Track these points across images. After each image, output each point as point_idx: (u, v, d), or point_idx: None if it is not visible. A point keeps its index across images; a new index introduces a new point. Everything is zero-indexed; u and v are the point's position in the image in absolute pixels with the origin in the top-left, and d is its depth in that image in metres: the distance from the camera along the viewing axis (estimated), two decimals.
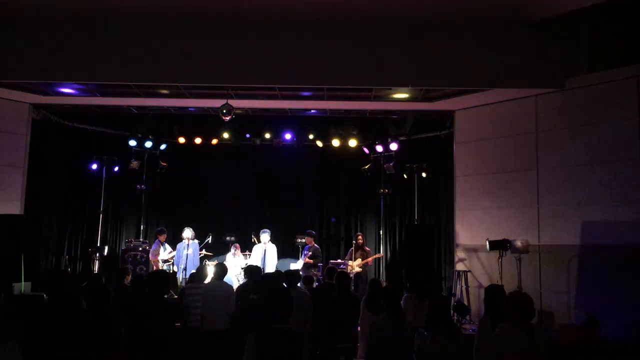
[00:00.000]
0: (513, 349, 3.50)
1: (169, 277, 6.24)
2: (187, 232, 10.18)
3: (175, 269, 10.23)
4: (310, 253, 10.24)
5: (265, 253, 10.12)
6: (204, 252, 10.52)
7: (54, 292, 4.20)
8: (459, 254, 9.68)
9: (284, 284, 6.13)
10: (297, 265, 10.25)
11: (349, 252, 10.35)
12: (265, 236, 10.24)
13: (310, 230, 10.86)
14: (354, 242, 10.66)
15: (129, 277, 7.11)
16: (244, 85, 8.80)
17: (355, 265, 10.04)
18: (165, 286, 4.74)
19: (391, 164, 11.03)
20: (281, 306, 3.44)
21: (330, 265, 8.53)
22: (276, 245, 10.44)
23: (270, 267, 9.76)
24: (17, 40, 8.21)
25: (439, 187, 10.77)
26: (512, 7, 7.62)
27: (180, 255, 10.10)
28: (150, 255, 10.40)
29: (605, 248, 7.78)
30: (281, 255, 10.85)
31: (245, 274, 7.27)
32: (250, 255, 10.48)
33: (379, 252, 11.15)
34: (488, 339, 3.82)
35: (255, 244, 10.54)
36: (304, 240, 10.79)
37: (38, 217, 10.24)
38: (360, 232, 11.37)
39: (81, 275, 9.77)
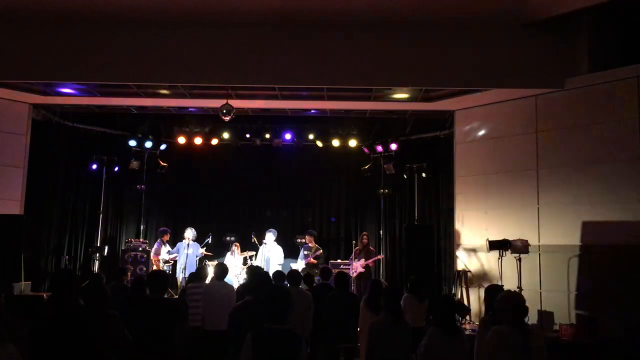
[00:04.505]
0: (508, 350, 3.50)
1: (168, 276, 6.25)
2: (189, 232, 10.24)
3: (172, 269, 10.25)
4: (312, 253, 10.21)
5: (267, 254, 10.12)
6: (204, 251, 10.53)
7: (59, 293, 4.16)
8: (459, 254, 9.68)
9: (286, 283, 6.13)
10: (297, 265, 10.24)
11: (354, 252, 10.34)
12: (269, 236, 10.24)
13: (312, 230, 10.82)
14: (354, 242, 10.64)
15: (128, 277, 7.12)
16: (244, 85, 8.80)
17: (358, 266, 10.02)
18: (165, 286, 4.73)
19: (391, 164, 11.02)
20: (279, 306, 3.44)
21: (324, 265, 8.51)
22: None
23: (273, 268, 9.73)
24: (17, 40, 8.20)
25: (439, 187, 10.76)
26: (512, 7, 7.62)
27: (181, 255, 10.12)
28: (152, 255, 10.41)
29: (605, 248, 7.77)
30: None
31: (246, 274, 7.28)
32: (250, 255, 10.49)
33: (380, 252, 11.13)
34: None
35: (255, 244, 10.55)
36: (303, 240, 10.79)
37: (38, 217, 10.23)
38: (361, 232, 11.35)
39: (81, 275, 9.77)
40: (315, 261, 10.10)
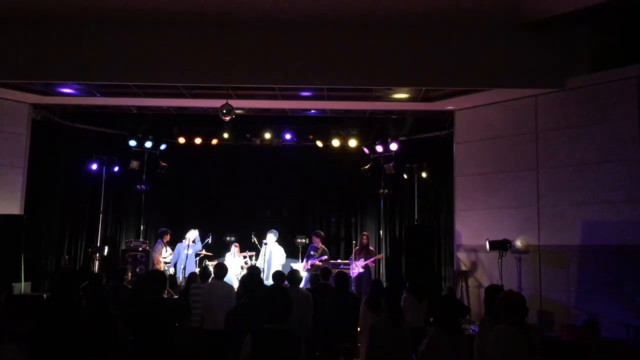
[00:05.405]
0: (513, 350, 3.50)
1: (166, 276, 6.23)
2: (192, 234, 10.24)
3: (173, 269, 10.25)
4: (319, 255, 10.17)
5: (269, 254, 10.11)
6: (204, 252, 10.53)
7: (59, 293, 4.16)
8: (459, 254, 9.68)
9: (286, 282, 6.13)
10: (299, 265, 10.23)
11: (354, 252, 10.33)
12: (270, 236, 10.23)
13: (318, 230, 10.80)
14: (354, 241, 10.64)
15: (128, 277, 7.12)
16: (244, 85, 8.80)
17: (358, 266, 10.01)
18: (164, 286, 4.73)
19: (391, 164, 11.02)
20: (279, 306, 3.44)
21: (324, 266, 8.50)
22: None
23: (275, 269, 9.69)
24: (17, 40, 8.21)
25: (439, 187, 10.77)
26: (512, 7, 7.62)
27: (180, 255, 10.11)
28: (153, 255, 10.42)
29: (605, 248, 7.77)
30: None
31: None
32: (250, 255, 10.49)
33: (380, 252, 11.14)
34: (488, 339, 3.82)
35: (255, 244, 10.55)
36: (304, 241, 10.77)
37: (38, 217, 10.23)
38: (361, 232, 11.35)
39: (81, 275, 9.77)
40: (320, 263, 10.05)
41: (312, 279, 7.19)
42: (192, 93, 9.40)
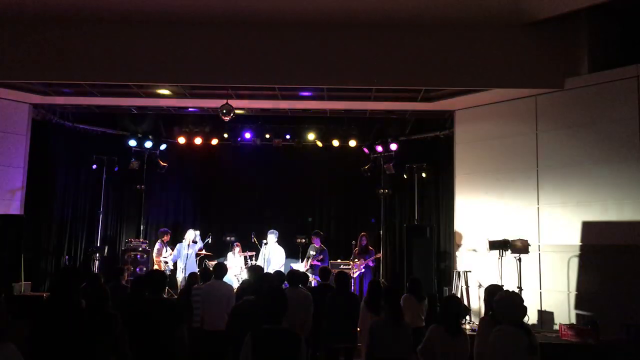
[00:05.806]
0: (514, 350, 3.51)
1: (166, 276, 6.20)
2: (191, 234, 10.24)
3: (173, 269, 10.25)
4: (318, 254, 10.17)
5: (269, 254, 10.10)
6: (204, 252, 10.53)
7: (59, 292, 4.15)
8: (459, 254, 9.67)
9: (285, 283, 6.13)
10: (299, 265, 10.23)
11: (353, 252, 10.33)
12: (271, 237, 10.24)
13: (317, 230, 10.80)
14: (353, 242, 10.63)
15: (125, 277, 7.12)
16: (244, 85, 8.80)
17: (358, 266, 10.00)
18: (163, 286, 4.73)
19: (391, 164, 11.02)
20: (277, 306, 3.44)
21: (323, 266, 8.50)
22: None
23: (274, 269, 9.69)
24: (17, 40, 8.21)
25: (439, 188, 10.76)
26: (512, 7, 7.63)
27: (180, 255, 10.11)
28: (154, 255, 10.41)
29: (605, 248, 7.77)
30: None
31: (247, 274, 7.27)
32: (250, 255, 10.49)
33: (379, 252, 11.13)
34: (488, 339, 3.83)
35: (255, 243, 10.55)
36: (304, 241, 10.77)
37: (38, 217, 10.23)
38: (361, 232, 11.33)
39: (81, 274, 9.75)
40: (318, 263, 10.06)
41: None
42: (192, 93, 9.40)
